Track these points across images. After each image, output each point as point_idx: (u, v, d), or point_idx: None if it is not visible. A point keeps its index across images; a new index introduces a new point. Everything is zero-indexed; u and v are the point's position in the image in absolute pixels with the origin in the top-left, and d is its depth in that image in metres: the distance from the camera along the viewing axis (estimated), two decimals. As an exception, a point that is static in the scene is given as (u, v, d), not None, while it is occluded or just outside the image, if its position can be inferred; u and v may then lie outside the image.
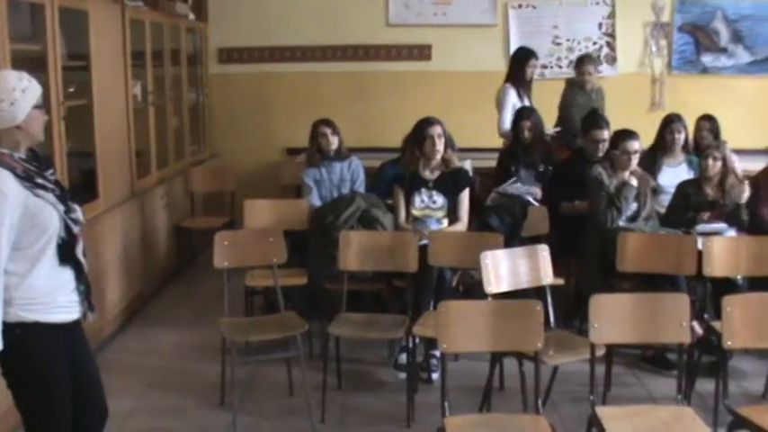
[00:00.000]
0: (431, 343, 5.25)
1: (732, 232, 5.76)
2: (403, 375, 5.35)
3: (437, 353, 5.21)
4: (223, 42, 9.15)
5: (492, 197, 6.54)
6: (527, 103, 7.50)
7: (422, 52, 8.89)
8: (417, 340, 5.09)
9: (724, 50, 9.09)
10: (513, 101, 7.42)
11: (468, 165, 6.68)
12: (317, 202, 6.45)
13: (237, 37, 9.10)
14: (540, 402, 4.04)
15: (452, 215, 5.95)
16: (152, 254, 7.19)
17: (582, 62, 7.62)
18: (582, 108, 7.28)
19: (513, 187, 6.58)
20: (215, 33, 9.16)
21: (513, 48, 8.58)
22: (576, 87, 7.58)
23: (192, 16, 8.66)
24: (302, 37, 8.94)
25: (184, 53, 8.45)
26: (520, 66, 7.61)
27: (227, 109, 9.11)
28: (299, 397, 5.14)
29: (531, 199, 6.54)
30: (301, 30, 8.93)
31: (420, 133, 5.99)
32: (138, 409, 5.08)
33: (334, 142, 6.57)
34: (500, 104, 7.48)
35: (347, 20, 8.93)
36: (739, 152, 6.68)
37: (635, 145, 5.93)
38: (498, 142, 7.37)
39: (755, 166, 6.86)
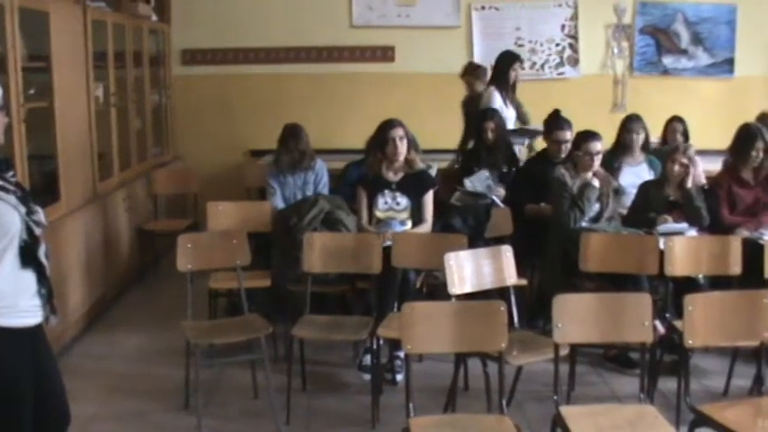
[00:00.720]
0: (395, 344, 5.26)
1: (693, 232, 5.82)
2: (367, 377, 5.35)
3: (401, 354, 5.21)
4: (186, 44, 9.10)
5: (456, 196, 6.55)
6: (510, 106, 7.53)
7: (385, 54, 8.90)
8: (381, 342, 5.11)
9: (684, 52, 9.19)
10: (499, 104, 7.44)
11: (434, 171, 6.68)
12: (280, 204, 6.42)
13: (201, 38, 9.07)
14: (504, 402, 4.04)
15: (416, 217, 5.96)
16: (114, 257, 7.13)
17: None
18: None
19: (479, 179, 6.60)
20: (178, 34, 9.12)
21: (476, 49, 8.65)
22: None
23: (154, 17, 8.62)
24: (266, 38, 8.92)
25: (147, 54, 8.40)
26: (504, 69, 7.63)
27: (191, 111, 9.07)
28: (263, 399, 5.12)
29: (495, 198, 6.57)
30: (265, 31, 8.91)
31: (382, 135, 5.99)
32: (101, 414, 5.03)
33: (302, 148, 6.54)
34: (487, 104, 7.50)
35: (311, 21, 8.92)
36: (699, 152, 6.76)
37: (597, 146, 5.97)
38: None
39: (715, 166, 6.95)
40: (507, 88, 7.61)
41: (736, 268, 5.30)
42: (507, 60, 7.70)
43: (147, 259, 7.92)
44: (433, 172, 6.57)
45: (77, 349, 6.09)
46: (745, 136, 6.26)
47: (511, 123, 7.18)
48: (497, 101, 7.45)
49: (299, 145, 6.47)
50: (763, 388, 4.26)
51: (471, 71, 8.01)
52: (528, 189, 6.48)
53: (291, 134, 6.54)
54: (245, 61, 8.93)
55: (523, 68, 7.68)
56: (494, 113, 6.97)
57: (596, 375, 5.67)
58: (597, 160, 5.98)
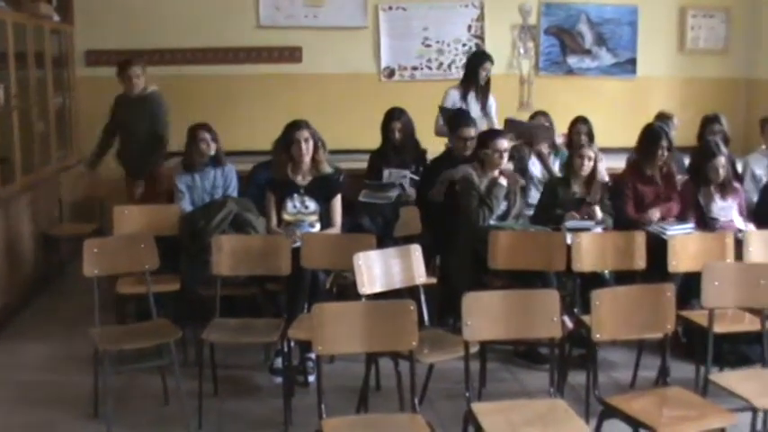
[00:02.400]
0: (306, 346, 5.24)
1: (599, 229, 5.93)
2: (279, 379, 5.32)
3: (313, 355, 5.20)
4: (90, 45, 8.93)
5: (363, 193, 6.55)
6: (474, 105, 7.53)
7: (292, 54, 8.86)
8: (292, 343, 5.09)
9: (588, 52, 9.34)
10: (452, 102, 7.45)
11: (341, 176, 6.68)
12: (188, 208, 6.34)
13: (105, 39, 8.89)
14: (416, 401, 4.07)
15: (325, 220, 5.96)
16: (18, 264, 6.97)
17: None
18: None
19: (399, 173, 6.63)
20: (81, 35, 8.94)
21: (383, 50, 8.66)
22: None
23: (56, 17, 8.44)
24: (171, 39, 8.80)
25: (49, 56, 8.22)
26: (473, 69, 7.64)
27: (96, 113, 8.84)
28: (174, 405, 5.07)
29: (404, 183, 6.59)
30: (171, 32, 8.79)
31: (288, 137, 5.97)
32: (8, 425, 4.92)
33: (213, 148, 6.48)
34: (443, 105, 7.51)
35: (217, 22, 8.82)
36: (603, 150, 6.88)
37: (504, 143, 6.05)
38: (370, 144, 7.38)
39: (618, 164, 7.09)
40: (475, 88, 7.60)
41: (640, 263, 5.43)
42: (476, 60, 7.72)
43: (52, 265, 7.75)
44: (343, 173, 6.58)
45: (-19, 360, 5.95)
46: (651, 136, 6.44)
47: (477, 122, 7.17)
48: (449, 100, 7.48)
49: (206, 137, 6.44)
50: (668, 378, 4.38)
51: None
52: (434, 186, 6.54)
53: (197, 130, 6.50)
54: (151, 62, 8.73)
55: (492, 63, 7.66)
56: (401, 114, 6.99)
57: (507, 371, 5.74)
58: (505, 158, 6.05)
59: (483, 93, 7.64)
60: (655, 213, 6.15)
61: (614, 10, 9.30)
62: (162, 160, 7.48)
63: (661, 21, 9.38)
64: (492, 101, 7.68)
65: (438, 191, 6.42)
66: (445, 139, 7.08)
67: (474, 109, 7.44)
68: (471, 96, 7.54)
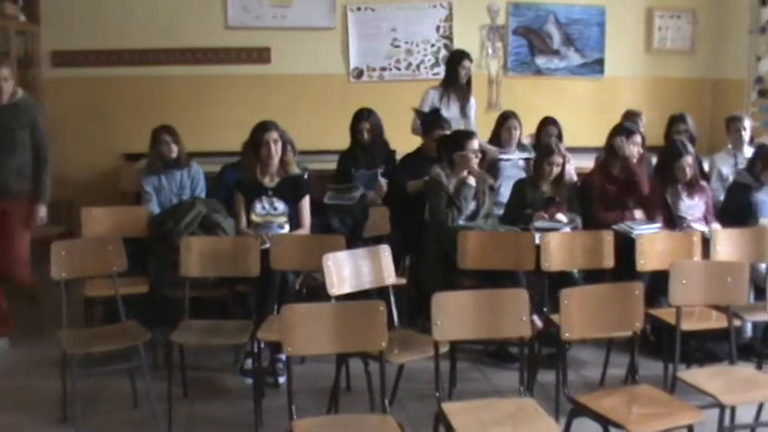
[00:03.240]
0: (276, 347, 5.24)
1: (568, 228, 5.96)
2: (249, 381, 5.32)
3: (283, 357, 5.19)
4: (57, 45, 8.84)
5: (328, 195, 6.55)
6: (454, 106, 7.51)
7: (261, 55, 8.82)
8: (262, 345, 5.07)
9: (556, 53, 9.37)
10: (430, 103, 7.43)
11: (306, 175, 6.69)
12: (156, 209, 6.32)
13: (72, 40, 8.81)
14: (386, 401, 4.08)
15: (293, 221, 5.95)
16: (-16, 267, 6.88)
17: None
18: None
19: (370, 174, 6.63)
20: (48, 36, 8.84)
21: (352, 50, 8.65)
22: None
23: (22, 17, 8.36)
24: (139, 40, 8.74)
25: (15, 56, 8.14)
26: (452, 68, 7.63)
27: (63, 114, 8.80)
28: (144, 408, 5.04)
29: (379, 174, 6.60)
30: (138, 32, 8.73)
31: (257, 138, 5.96)
32: (-27, 430, 4.88)
33: (174, 150, 6.45)
34: (420, 105, 7.50)
35: (185, 22, 8.77)
36: (571, 150, 6.93)
37: (475, 144, 6.07)
38: (339, 144, 7.37)
39: (587, 163, 7.13)
40: (455, 87, 7.58)
41: (609, 262, 5.46)
42: (455, 59, 7.70)
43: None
44: (309, 173, 6.58)
45: (-54, 365, 5.89)
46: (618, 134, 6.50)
47: (454, 123, 7.15)
48: (427, 101, 7.46)
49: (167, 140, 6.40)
50: (637, 376, 4.42)
51: None
52: (403, 187, 6.56)
53: (158, 132, 6.48)
54: (119, 63, 8.72)
55: (471, 61, 7.64)
56: (369, 114, 6.98)
57: (477, 371, 5.76)
58: (476, 159, 6.07)
59: (463, 94, 7.60)
60: (637, 213, 6.17)
61: (582, 11, 9.34)
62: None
63: (628, 21, 9.43)
64: (473, 102, 7.66)
65: (415, 185, 6.46)
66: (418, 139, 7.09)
67: (453, 110, 7.43)
68: (452, 97, 7.52)
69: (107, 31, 8.74)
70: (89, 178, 8.45)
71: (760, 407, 4.72)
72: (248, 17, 8.78)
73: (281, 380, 5.43)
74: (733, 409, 4.41)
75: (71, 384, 4.82)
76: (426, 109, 7.34)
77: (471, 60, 7.66)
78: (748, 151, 6.99)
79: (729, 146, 7.44)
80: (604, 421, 3.85)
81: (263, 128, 5.96)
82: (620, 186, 6.40)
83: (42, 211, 6.42)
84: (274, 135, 5.93)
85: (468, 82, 7.64)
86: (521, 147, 7.16)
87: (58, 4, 8.72)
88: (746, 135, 7.32)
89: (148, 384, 4.87)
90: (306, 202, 6.01)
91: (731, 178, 6.92)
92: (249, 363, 5.37)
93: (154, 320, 5.33)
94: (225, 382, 5.60)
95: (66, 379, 4.92)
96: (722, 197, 6.79)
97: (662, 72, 9.50)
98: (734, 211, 6.36)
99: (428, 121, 6.89)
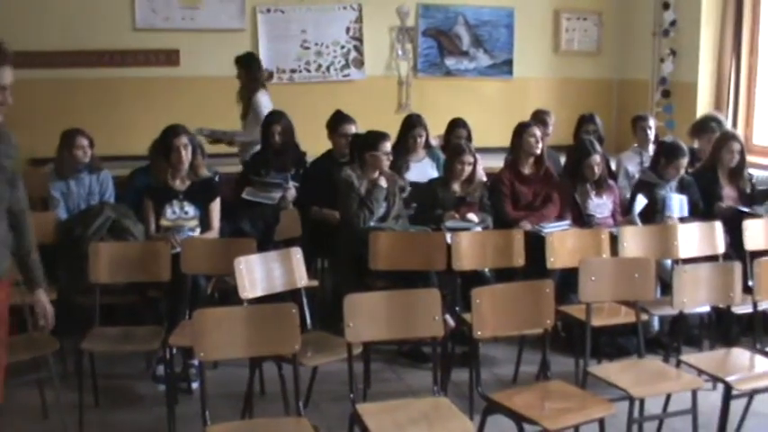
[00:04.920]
0: (188, 352, 5.18)
1: (478, 228, 6.01)
2: (162, 387, 5.26)
3: (195, 362, 5.14)
4: (-45, 49, 8.59)
5: (247, 190, 6.51)
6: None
7: (169, 57, 8.70)
8: (174, 350, 5.01)
9: (466, 54, 9.44)
10: (268, 107, 7.40)
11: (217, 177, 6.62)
12: (64, 215, 6.20)
13: (-29, 43, 8.58)
14: (301, 404, 4.08)
15: (204, 224, 5.90)
16: None
17: None
18: None
19: (281, 175, 6.62)
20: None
21: (262, 52, 8.58)
22: None
23: None
24: (43, 42, 8.53)
25: None
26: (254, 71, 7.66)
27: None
28: (54, 419, 4.95)
29: (289, 179, 6.58)
30: (42, 34, 8.51)
31: (166, 144, 5.90)
32: None
33: (89, 155, 6.34)
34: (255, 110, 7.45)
35: (92, 24, 8.59)
36: (481, 150, 6.98)
37: (387, 146, 6.08)
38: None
39: (497, 163, 7.20)
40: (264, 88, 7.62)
41: (519, 260, 5.53)
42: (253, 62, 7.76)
43: None
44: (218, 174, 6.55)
45: None
46: (520, 128, 6.63)
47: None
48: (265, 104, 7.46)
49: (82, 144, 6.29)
50: (549, 372, 4.48)
51: None
52: (314, 189, 6.53)
53: (72, 135, 6.35)
54: (22, 66, 8.29)
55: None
56: (281, 116, 6.96)
57: (391, 372, 5.77)
58: (387, 160, 6.09)
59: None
60: (525, 225, 6.22)
61: (491, 12, 9.42)
62: None
63: (536, 23, 9.55)
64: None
65: (318, 213, 6.48)
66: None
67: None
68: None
69: (9, 32, 8.42)
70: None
71: (667, 398, 4.82)
72: (157, 19, 8.65)
73: (195, 385, 5.37)
74: (642, 401, 4.50)
75: (-23, 397, 4.69)
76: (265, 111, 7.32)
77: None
78: (653, 150, 7.14)
79: (635, 145, 7.61)
80: (518, 418, 3.89)
81: (172, 133, 5.89)
82: (531, 185, 6.51)
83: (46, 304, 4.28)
84: (184, 140, 5.86)
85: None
86: (428, 149, 7.16)
87: (-43, 6, 8.49)
88: (652, 134, 7.49)
89: (58, 394, 4.79)
90: (216, 205, 5.97)
91: (637, 176, 7.05)
92: (161, 369, 5.31)
93: (63, 329, 5.21)
94: (137, 390, 5.52)
95: (-29, 392, 4.79)
96: (629, 195, 6.91)
97: (570, 73, 9.64)
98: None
99: (334, 118, 6.88)
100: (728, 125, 7.73)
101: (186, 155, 5.86)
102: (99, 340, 4.95)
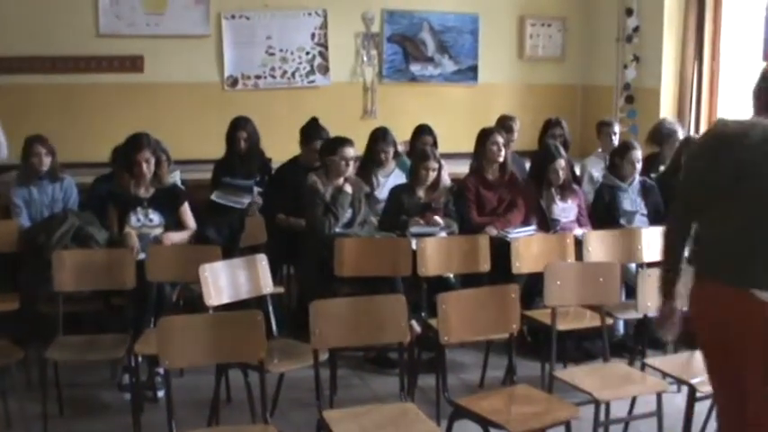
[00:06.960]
0: (154, 360, 5.14)
1: (443, 233, 6.02)
2: (128, 396, 5.22)
3: (161, 370, 5.11)
4: None
5: (216, 193, 6.49)
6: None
7: (134, 63, 8.64)
8: (140, 358, 4.97)
9: (431, 60, 9.46)
10: None
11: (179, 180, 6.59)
12: (26, 223, 6.14)
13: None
14: (267, 412, 4.07)
15: (173, 230, 5.87)
16: None
17: None
18: None
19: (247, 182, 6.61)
20: None
21: (227, 58, 8.55)
22: None
23: None
24: (5, 47, 8.46)
25: None
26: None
27: None
28: (18, 429, 4.90)
29: (253, 186, 6.56)
30: (6, 39, 8.43)
31: (128, 157, 5.86)
32: None
33: (46, 163, 6.28)
34: None
35: (55, 29, 8.52)
36: (447, 156, 7.00)
37: (351, 152, 6.09)
38: (214, 153, 7.29)
39: (462, 169, 7.22)
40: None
41: (485, 266, 5.56)
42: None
43: None
44: (178, 181, 6.52)
45: None
46: (483, 134, 6.65)
47: None
48: None
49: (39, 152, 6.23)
50: (516, 377, 4.50)
51: None
52: (280, 196, 6.52)
53: (30, 143, 6.28)
54: None
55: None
56: (246, 123, 6.94)
57: (357, 378, 5.77)
58: (351, 166, 6.09)
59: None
60: (491, 231, 6.23)
61: (456, 18, 9.45)
62: None
63: (501, 29, 9.58)
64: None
65: (283, 220, 6.48)
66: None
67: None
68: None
69: (-34, 36, 8.42)
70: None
71: (633, 401, 4.86)
72: (121, 25, 8.59)
73: (160, 393, 5.33)
74: (608, 405, 4.53)
75: (-61, 408, 4.65)
76: None
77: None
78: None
79: (600, 150, 7.67)
80: (485, 422, 3.91)
81: (135, 146, 5.85)
82: (496, 190, 6.53)
83: None
84: (146, 154, 5.83)
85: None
86: (397, 158, 7.15)
87: None
88: (616, 139, 7.55)
89: (22, 404, 4.74)
90: (186, 208, 5.98)
91: (602, 181, 7.10)
92: (127, 377, 5.28)
93: (27, 338, 5.19)
94: (102, 399, 5.47)
95: (-67, 403, 4.75)
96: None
97: (534, 79, 9.68)
98: (601, 212, 6.54)
99: (308, 131, 6.86)
100: (691, 130, 7.82)
101: (148, 168, 5.83)
102: (63, 349, 4.91)
